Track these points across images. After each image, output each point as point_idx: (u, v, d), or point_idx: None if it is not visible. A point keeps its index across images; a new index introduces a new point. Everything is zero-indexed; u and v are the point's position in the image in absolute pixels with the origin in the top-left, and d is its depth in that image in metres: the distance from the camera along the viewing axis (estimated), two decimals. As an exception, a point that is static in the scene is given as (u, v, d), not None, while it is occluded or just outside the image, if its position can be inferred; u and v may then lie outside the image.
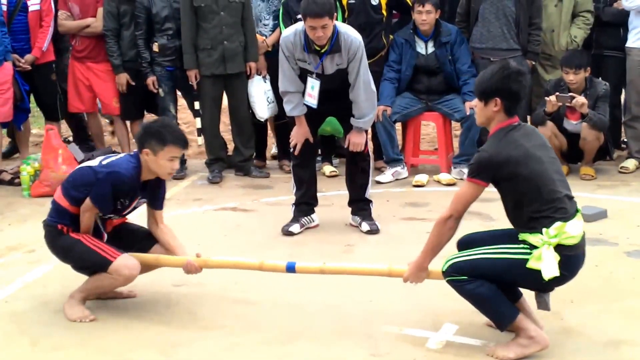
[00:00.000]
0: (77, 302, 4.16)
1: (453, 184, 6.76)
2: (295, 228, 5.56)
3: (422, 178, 6.87)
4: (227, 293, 4.47)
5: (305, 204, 5.66)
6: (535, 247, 3.52)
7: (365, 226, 5.56)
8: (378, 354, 3.69)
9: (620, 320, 4.00)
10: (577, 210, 3.62)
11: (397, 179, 7.00)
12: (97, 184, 4.01)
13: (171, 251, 4.24)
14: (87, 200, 4.04)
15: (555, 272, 3.47)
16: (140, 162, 4.08)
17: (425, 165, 7.52)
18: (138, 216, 4.52)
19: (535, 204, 3.53)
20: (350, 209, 5.72)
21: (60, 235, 4.13)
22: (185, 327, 4.04)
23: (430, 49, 7.01)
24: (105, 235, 4.24)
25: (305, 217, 5.65)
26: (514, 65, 3.72)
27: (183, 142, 4.08)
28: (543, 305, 3.74)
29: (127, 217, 4.44)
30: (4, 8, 6.95)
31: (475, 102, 3.74)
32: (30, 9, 7.09)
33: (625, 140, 7.47)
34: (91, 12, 7.21)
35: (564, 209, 3.55)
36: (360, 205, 5.66)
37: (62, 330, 4.01)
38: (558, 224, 3.50)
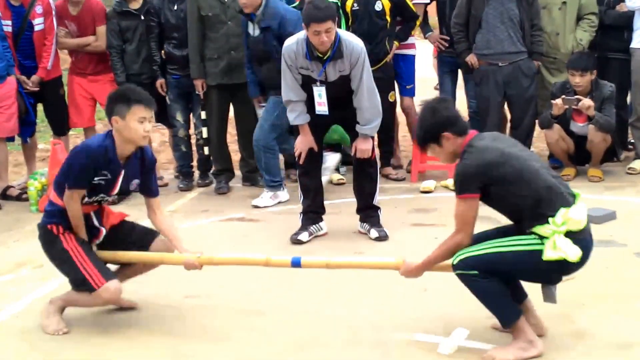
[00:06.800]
0: (55, 310, 4.19)
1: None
2: (304, 236, 5.55)
3: (429, 184, 6.87)
4: (238, 304, 4.46)
5: (313, 212, 5.65)
6: (545, 238, 3.51)
7: (374, 233, 5.55)
8: (390, 361, 3.69)
9: (631, 321, 3.99)
10: (574, 195, 3.62)
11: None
12: (68, 163, 4.07)
13: (169, 239, 4.25)
14: (67, 186, 4.07)
15: (579, 252, 3.45)
16: (112, 134, 4.09)
17: (432, 171, 7.51)
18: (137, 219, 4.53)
19: (530, 198, 3.53)
20: (358, 216, 5.72)
21: (52, 238, 4.14)
22: (197, 339, 4.04)
23: None
24: (103, 231, 4.25)
25: (314, 226, 5.64)
26: (430, 99, 3.84)
27: (147, 100, 4.11)
28: (550, 297, 3.73)
29: (125, 213, 4.44)
30: (9, 29, 6.96)
31: (435, 148, 3.79)
32: (36, 28, 7.08)
33: (632, 141, 7.45)
34: (90, 31, 7.23)
35: (560, 194, 3.55)
36: (368, 212, 5.65)
37: (73, 344, 4.01)
38: (562, 210, 3.49)
